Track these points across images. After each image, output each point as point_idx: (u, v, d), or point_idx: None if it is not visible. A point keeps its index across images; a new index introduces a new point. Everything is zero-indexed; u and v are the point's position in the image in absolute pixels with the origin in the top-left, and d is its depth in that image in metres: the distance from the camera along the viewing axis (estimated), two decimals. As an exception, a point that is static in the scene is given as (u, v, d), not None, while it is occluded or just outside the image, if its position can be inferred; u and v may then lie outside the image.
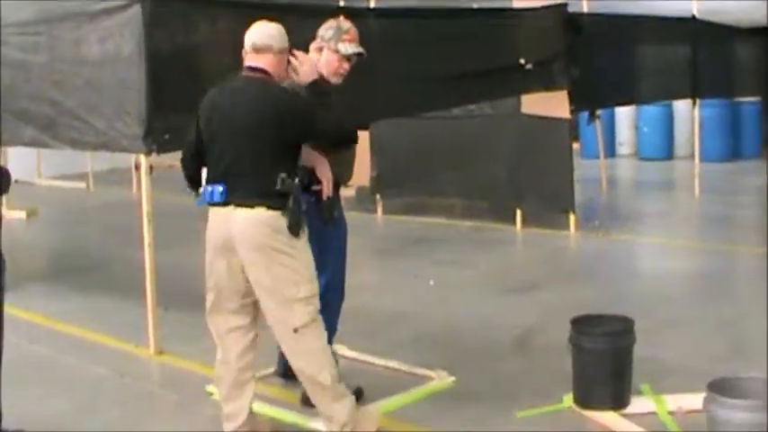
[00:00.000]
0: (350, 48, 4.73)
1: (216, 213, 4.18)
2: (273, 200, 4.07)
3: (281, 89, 4.30)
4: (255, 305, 4.29)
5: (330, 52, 4.73)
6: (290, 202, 4.07)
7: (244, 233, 4.09)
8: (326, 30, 4.77)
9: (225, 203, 4.11)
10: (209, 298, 4.34)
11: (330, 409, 4.29)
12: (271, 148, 4.12)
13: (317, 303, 4.26)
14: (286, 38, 4.33)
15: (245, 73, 4.26)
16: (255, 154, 4.12)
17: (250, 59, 4.26)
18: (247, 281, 4.19)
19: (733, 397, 3.85)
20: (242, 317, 4.32)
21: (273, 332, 4.29)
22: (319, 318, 4.29)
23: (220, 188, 4.11)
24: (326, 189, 4.52)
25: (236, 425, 4.32)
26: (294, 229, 4.08)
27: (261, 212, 4.07)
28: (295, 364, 4.31)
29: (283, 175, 4.07)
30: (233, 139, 4.14)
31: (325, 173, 4.51)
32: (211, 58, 6.21)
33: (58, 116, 6.51)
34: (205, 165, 4.31)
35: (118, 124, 5.99)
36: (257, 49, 4.24)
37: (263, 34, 4.27)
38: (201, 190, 4.25)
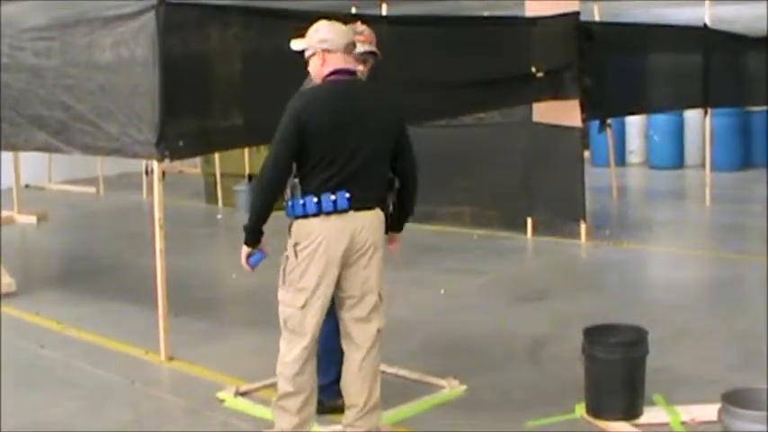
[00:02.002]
0: (361, 47, 4.73)
1: (332, 222, 4.04)
2: (384, 201, 4.25)
3: (384, 90, 4.37)
4: None
5: None
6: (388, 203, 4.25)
7: (365, 235, 4.11)
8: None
9: (347, 210, 4.05)
10: (310, 311, 4.12)
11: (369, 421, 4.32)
12: (389, 149, 4.22)
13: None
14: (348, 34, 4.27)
15: (341, 77, 4.17)
16: (381, 156, 4.18)
17: (338, 61, 4.16)
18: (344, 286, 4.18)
19: (747, 408, 3.82)
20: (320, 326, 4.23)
21: (352, 329, 4.25)
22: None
23: (347, 194, 4.02)
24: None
25: None
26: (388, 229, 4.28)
27: (378, 213, 4.20)
28: (365, 371, 4.27)
29: (391, 175, 4.24)
30: (363, 143, 4.08)
31: None
32: (224, 65, 6.22)
33: (70, 121, 6.52)
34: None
35: (131, 130, 6.00)
36: (348, 49, 4.18)
37: (350, 34, 4.24)
38: (300, 201, 4.04)
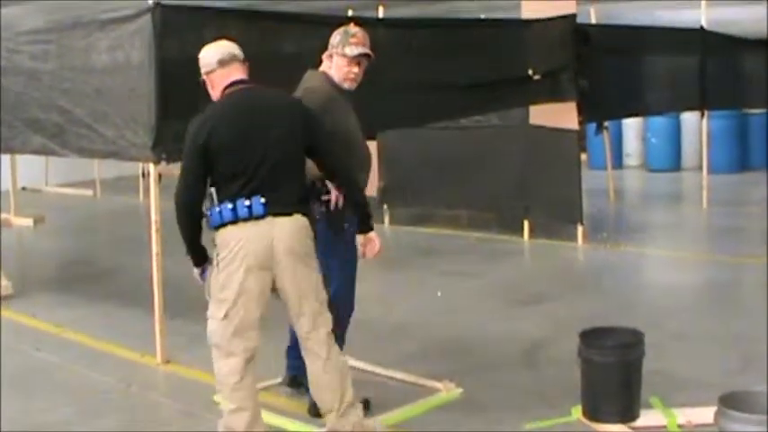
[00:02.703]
0: (355, 50, 4.73)
1: (249, 228, 4.04)
2: (304, 206, 4.19)
3: (291, 96, 4.39)
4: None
5: (338, 57, 4.74)
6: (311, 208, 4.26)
7: (287, 241, 4.08)
8: (335, 36, 4.79)
9: (263, 216, 4.04)
10: (233, 322, 4.10)
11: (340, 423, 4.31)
12: (299, 154, 4.21)
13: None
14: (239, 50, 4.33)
15: (239, 86, 4.22)
16: (292, 160, 4.17)
17: (230, 74, 4.23)
18: (269, 296, 4.16)
19: (744, 411, 3.82)
20: (256, 337, 4.18)
21: (306, 340, 4.27)
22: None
23: (262, 200, 4.03)
24: (335, 199, 4.53)
25: None
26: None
27: (298, 219, 4.13)
28: (329, 375, 4.28)
29: (308, 181, 4.26)
30: (269, 149, 4.09)
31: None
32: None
33: (67, 124, 6.52)
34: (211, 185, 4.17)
35: (127, 133, 6.00)
36: (224, 63, 4.23)
37: (221, 48, 4.29)
38: (216, 209, 4.08)
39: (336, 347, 4.34)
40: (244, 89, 4.23)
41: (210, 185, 4.12)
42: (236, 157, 4.06)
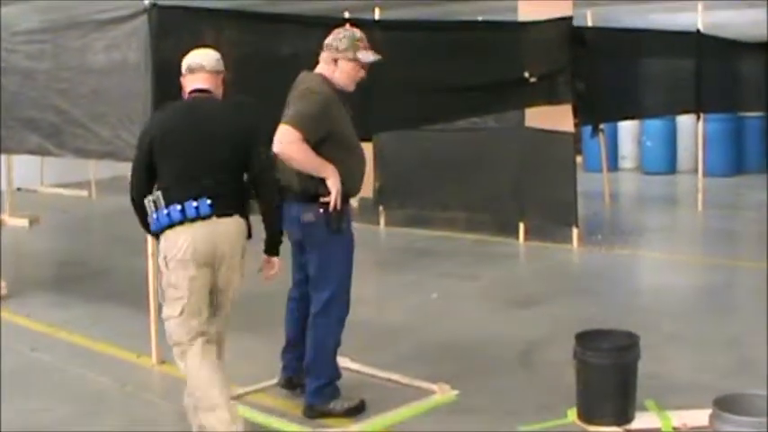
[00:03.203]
0: (370, 56, 4.75)
1: (197, 228, 4.25)
2: (243, 209, 4.40)
3: (234, 103, 4.61)
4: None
5: (347, 62, 4.73)
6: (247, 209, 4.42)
7: (229, 241, 4.32)
8: (339, 40, 4.76)
9: (210, 216, 4.25)
10: (188, 318, 4.30)
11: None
12: (238, 159, 4.38)
13: None
14: (219, 61, 4.57)
15: (192, 94, 4.50)
16: (233, 166, 4.37)
17: (192, 82, 4.50)
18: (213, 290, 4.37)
19: (738, 414, 3.83)
20: (208, 324, 4.38)
21: (207, 333, 4.39)
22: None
23: (208, 201, 4.24)
24: (334, 200, 4.53)
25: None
26: (250, 235, 4.43)
27: (238, 219, 4.36)
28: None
29: (247, 183, 4.41)
30: (213, 155, 4.33)
31: (335, 183, 4.54)
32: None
33: (62, 124, 6.51)
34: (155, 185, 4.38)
35: (123, 133, 5.99)
36: (192, 70, 4.51)
37: (195, 56, 4.55)
38: (164, 212, 4.27)
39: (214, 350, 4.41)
40: (195, 97, 4.49)
41: (157, 189, 4.34)
42: (181, 161, 4.33)
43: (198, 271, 4.25)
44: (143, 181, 4.43)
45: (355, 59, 4.71)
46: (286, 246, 4.69)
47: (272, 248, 4.56)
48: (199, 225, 4.24)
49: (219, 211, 4.26)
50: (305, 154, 4.52)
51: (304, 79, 4.79)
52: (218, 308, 4.43)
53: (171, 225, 4.25)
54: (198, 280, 4.27)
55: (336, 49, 4.75)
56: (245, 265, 4.45)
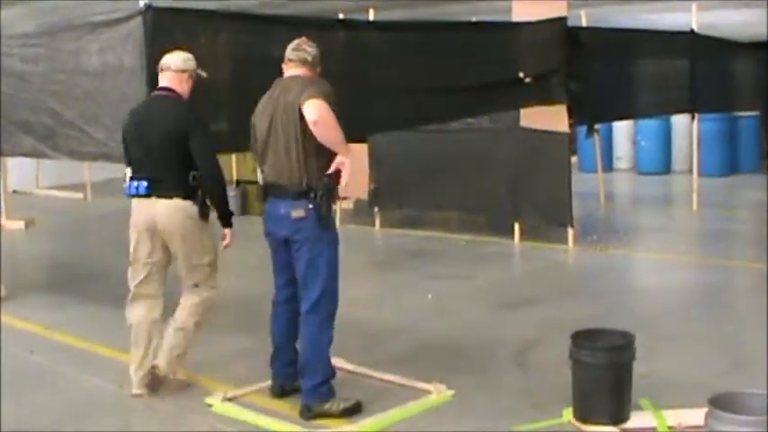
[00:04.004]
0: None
1: (140, 203, 5.18)
2: (187, 194, 5.10)
3: (183, 106, 5.18)
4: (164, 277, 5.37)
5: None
6: (200, 195, 5.12)
7: (163, 218, 5.12)
8: (315, 48, 4.99)
9: (148, 195, 5.11)
10: (138, 272, 5.33)
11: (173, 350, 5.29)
12: (178, 153, 5.06)
13: (216, 269, 5.33)
14: (186, 61, 5.23)
15: (156, 92, 5.25)
16: (172, 156, 5.08)
17: (161, 80, 5.24)
18: (165, 254, 5.26)
19: (734, 412, 3.84)
20: (156, 286, 5.34)
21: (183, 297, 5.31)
22: (215, 287, 5.34)
23: (145, 183, 5.11)
24: (343, 189, 4.86)
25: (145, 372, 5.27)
26: (204, 215, 5.15)
27: (177, 202, 5.11)
28: (181, 312, 5.31)
29: (194, 173, 5.08)
30: (155, 146, 5.10)
31: (347, 175, 4.75)
32: (211, 71, 6.21)
33: (57, 127, 6.52)
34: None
35: (118, 135, 5.96)
36: (161, 70, 5.22)
37: (166, 57, 5.22)
38: (125, 185, 5.24)
39: (191, 319, 5.31)
40: (154, 96, 5.27)
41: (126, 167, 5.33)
42: (132, 147, 5.25)
43: (138, 237, 5.24)
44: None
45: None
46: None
47: (223, 221, 5.26)
48: (141, 201, 5.16)
49: (158, 192, 5.10)
50: (336, 124, 4.67)
51: (309, 78, 4.88)
52: (191, 272, 5.25)
53: (130, 196, 5.21)
54: (141, 246, 5.24)
55: (317, 57, 4.98)
56: (205, 242, 5.22)
